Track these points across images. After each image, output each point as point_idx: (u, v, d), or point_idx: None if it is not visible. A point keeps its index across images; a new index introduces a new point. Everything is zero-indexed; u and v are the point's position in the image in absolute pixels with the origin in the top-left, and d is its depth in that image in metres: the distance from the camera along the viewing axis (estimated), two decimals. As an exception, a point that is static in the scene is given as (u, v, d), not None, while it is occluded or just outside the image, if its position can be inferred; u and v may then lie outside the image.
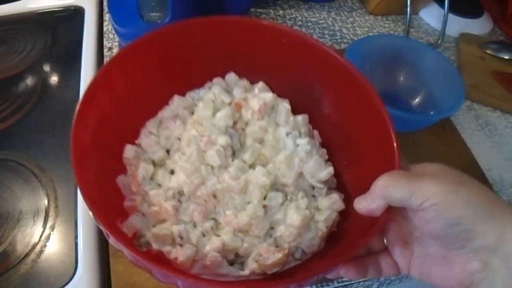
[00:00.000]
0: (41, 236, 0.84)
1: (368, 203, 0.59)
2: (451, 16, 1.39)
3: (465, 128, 1.16)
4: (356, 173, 0.63)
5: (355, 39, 1.38)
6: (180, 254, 0.64)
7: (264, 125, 0.77)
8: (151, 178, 0.74)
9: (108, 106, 0.71)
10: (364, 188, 0.60)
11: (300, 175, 0.72)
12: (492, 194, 0.55)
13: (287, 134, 0.75)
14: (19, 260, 0.81)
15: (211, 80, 0.84)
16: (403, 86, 1.13)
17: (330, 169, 0.72)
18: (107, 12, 1.30)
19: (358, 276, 0.61)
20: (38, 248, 0.83)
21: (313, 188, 0.73)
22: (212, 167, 0.73)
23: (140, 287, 0.77)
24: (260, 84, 0.83)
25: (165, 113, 0.80)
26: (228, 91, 0.82)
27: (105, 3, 1.35)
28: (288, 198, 0.71)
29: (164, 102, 0.82)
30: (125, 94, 0.75)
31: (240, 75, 0.85)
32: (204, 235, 0.68)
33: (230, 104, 0.80)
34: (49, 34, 1.27)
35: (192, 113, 0.81)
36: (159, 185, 0.74)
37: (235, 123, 0.78)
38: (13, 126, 1.02)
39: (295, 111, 0.81)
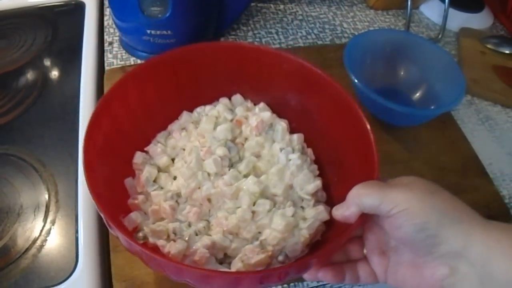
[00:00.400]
0: (41, 230, 0.85)
1: (343, 210, 0.63)
2: (451, 11, 1.39)
3: (466, 122, 1.16)
4: (344, 189, 0.66)
5: (356, 33, 1.38)
6: (172, 248, 0.70)
7: (261, 141, 0.84)
8: (155, 181, 0.82)
9: (123, 115, 0.80)
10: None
11: (291, 187, 0.79)
12: (460, 202, 0.58)
13: (281, 150, 0.82)
14: (19, 255, 0.81)
15: (218, 99, 0.93)
16: (404, 81, 1.13)
17: (317, 183, 0.79)
18: (108, 7, 1.30)
19: (335, 280, 0.66)
20: (38, 242, 0.83)
21: (302, 200, 0.80)
22: (209, 174, 0.80)
23: (141, 282, 0.78)
24: (261, 104, 0.91)
25: (174, 126, 0.89)
26: (231, 109, 0.90)
27: (105, -2, 1.35)
28: (276, 206, 0.77)
29: (174, 116, 0.90)
30: (139, 107, 0.83)
31: (245, 95, 0.93)
32: (196, 234, 0.75)
33: (231, 120, 0.88)
34: (50, 28, 1.27)
35: (197, 127, 0.89)
36: (161, 188, 0.81)
37: (235, 138, 0.86)
38: (13, 121, 1.02)
39: (293, 130, 0.89)
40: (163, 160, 0.84)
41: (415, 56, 1.11)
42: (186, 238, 0.73)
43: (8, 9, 1.32)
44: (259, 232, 0.75)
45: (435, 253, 0.56)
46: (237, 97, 0.92)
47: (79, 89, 1.09)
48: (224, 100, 0.91)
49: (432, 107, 1.05)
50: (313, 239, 0.76)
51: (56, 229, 0.85)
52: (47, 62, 1.18)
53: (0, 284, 0.77)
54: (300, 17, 1.42)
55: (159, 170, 0.83)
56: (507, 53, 1.35)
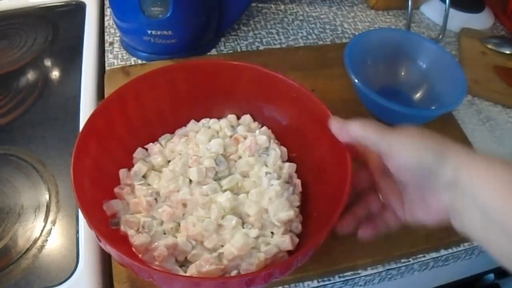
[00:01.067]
0: (42, 231, 0.85)
1: (339, 127, 0.73)
2: (452, 11, 1.39)
3: (466, 123, 1.16)
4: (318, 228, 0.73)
5: (356, 34, 1.37)
6: (137, 239, 0.75)
7: (251, 162, 0.87)
8: (144, 177, 0.86)
9: (135, 113, 0.89)
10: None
11: (266, 211, 0.80)
12: (449, 141, 0.64)
13: (266, 173, 0.84)
14: (20, 255, 0.81)
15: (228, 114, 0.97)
16: (405, 81, 1.13)
17: (290, 213, 0.79)
18: (108, 7, 1.30)
19: (375, 234, 0.72)
20: (39, 243, 0.83)
21: (274, 225, 0.80)
22: (191, 181, 0.84)
23: (141, 283, 0.77)
24: (263, 128, 0.94)
25: (179, 131, 0.94)
26: (234, 126, 0.94)
27: (106, -2, 1.35)
28: (245, 225, 0.80)
29: (184, 123, 0.96)
30: (152, 108, 0.91)
31: (255, 116, 0.97)
32: (164, 233, 0.79)
33: (231, 137, 0.91)
34: (51, 28, 1.27)
35: (197, 136, 0.93)
36: (148, 184, 0.85)
37: (230, 154, 0.89)
38: (14, 121, 1.02)
39: (292, 159, 0.92)
40: (157, 160, 0.88)
41: (416, 56, 1.11)
42: (151, 234, 0.77)
43: (9, 10, 1.32)
44: (222, 245, 0.77)
45: (434, 185, 0.63)
46: (246, 117, 0.95)
47: (79, 89, 1.09)
48: (231, 117, 0.95)
49: (433, 108, 1.05)
50: (268, 264, 0.77)
51: (56, 229, 0.85)
52: (47, 62, 1.18)
53: (1, 285, 0.77)
54: (301, 18, 1.42)
55: (153, 168, 0.88)
56: (508, 53, 1.35)
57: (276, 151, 0.89)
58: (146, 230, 0.77)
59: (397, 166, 0.65)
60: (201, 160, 0.85)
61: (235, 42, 1.30)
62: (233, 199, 0.80)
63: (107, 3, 1.35)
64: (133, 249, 0.75)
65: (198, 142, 0.89)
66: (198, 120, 0.95)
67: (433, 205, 0.64)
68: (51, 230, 0.85)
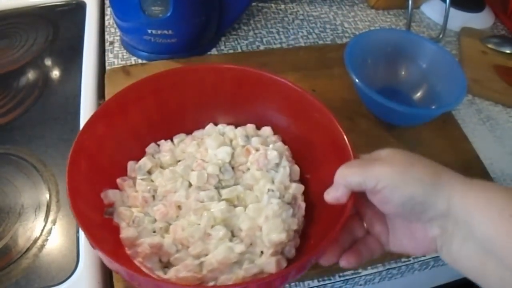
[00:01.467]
0: (42, 230, 0.85)
1: (334, 193, 0.66)
2: (452, 11, 1.39)
3: (467, 122, 1.16)
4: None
5: (357, 33, 1.38)
6: (124, 232, 0.75)
7: (258, 176, 0.84)
8: (149, 172, 0.86)
9: (154, 107, 0.88)
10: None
11: (260, 229, 0.77)
12: (440, 167, 0.61)
13: (268, 191, 0.81)
14: (20, 254, 0.81)
15: (249, 123, 0.94)
16: (405, 80, 1.13)
17: (282, 236, 0.75)
18: (109, 6, 1.30)
19: (358, 262, 0.68)
20: (39, 242, 0.83)
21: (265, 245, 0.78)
22: (190, 185, 0.83)
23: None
24: (279, 144, 0.90)
25: (196, 133, 0.93)
26: (248, 137, 0.91)
27: (106, -3, 1.35)
28: (233, 239, 0.77)
29: (204, 125, 0.94)
30: (173, 105, 0.90)
31: (276, 130, 0.93)
32: (154, 231, 0.78)
33: (243, 147, 0.88)
34: (51, 28, 1.27)
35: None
36: (151, 181, 0.85)
37: (240, 165, 0.87)
38: (14, 120, 1.02)
39: (304, 181, 0.87)
40: (166, 158, 0.87)
41: (416, 55, 1.11)
42: (139, 229, 0.76)
43: (9, 9, 1.32)
44: (206, 254, 0.75)
45: (424, 218, 0.60)
46: (266, 129, 0.93)
47: (80, 88, 1.09)
48: (249, 127, 0.93)
49: (433, 107, 1.05)
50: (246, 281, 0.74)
51: (57, 228, 0.85)
52: (48, 62, 1.18)
53: (1, 284, 0.77)
54: (301, 17, 1.42)
55: (160, 165, 0.87)
56: (508, 53, 1.35)
57: (285, 170, 0.85)
58: (136, 225, 0.77)
59: (383, 201, 0.62)
60: (205, 165, 0.84)
61: (236, 42, 1.30)
62: (226, 211, 0.78)
63: (107, 2, 1.35)
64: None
65: (207, 146, 0.87)
66: (217, 125, 0.94)
67: (420, 237, 0.63)
68: (52, 230, 0.85)
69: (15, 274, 0.78)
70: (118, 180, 0.82)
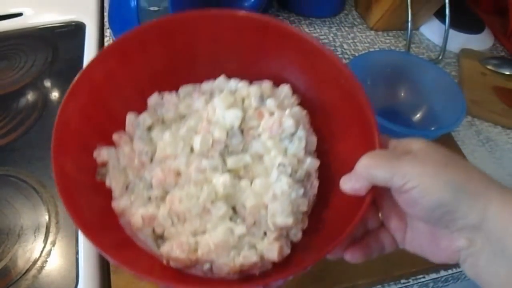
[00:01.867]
0: (42, 251, 0.84)
1: (352, 183, 0.60)
2: (452, 32, 1.39)
3: (466, 144, 1.16)
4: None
5: (356, 54, 1.38)
6: (117, 201, 0.69)
7: (269, 145, 0.74)
8: (150, 129, 0.77)
9: (158, 50, 0.77)
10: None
11: (266, 207, 0.69)
12: (476, 172, 0.55)
13: (279, 165, 0.71)
14: (20, 276, 0.81)
15: (272, 79, 0.83)
16: (404, 102, 1.13)
17: (288, 220, 0.67)
18: (108, 28, 1.30)
19: (365, 257, 0.62)
20: (39, 263, 0.83)
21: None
22: (192, 150, 0.73)
23: (141, 303, 0.76)
24: (297, 108, 0.78)
25: (205, 85, 0.82)
26: (263, 97, 0.79)
27: (106, 19, 1.35)
28: (234, 218, 0.70)
29: (216, 75, 0.82)
30: (181, 50, 0.79)
31: (295, 88, 0.81)
32: (149, 199, 0.71)
33: (256, 109, 0.77)
34: (50, 49, 1.27)
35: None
36: (150, 139, 0.76)
37: (250, 129, 0.76)
38: (14, 142, 1.02)
39: (321, 150, 0.78)
40: (169, 113, 0.78)
41: (416, 77, 1.11)
42: (133, 198, 0.70)
43: (9, 30, 1.32)
44: (203, 232, 0.68)
45: (452, 226, 0.55)
46: (284, 88, 0.81)
47: (80, 110, 1.08)
48: (266, 85, 0.81)
49: (432, 129, 1.05)
50: (244, 270, 0.66)
51: (56, 250, 0.85)
52: (47, 83, 1.19)
53: (1, 306, 0.77)
54: (301, 38, 1.42)
55: (162, 121, 0.79)
56: (507, 74, 1.35)
57: (301, 142, 0.74)
58: (129, 192, 0.71)
59: (409, 202, 0.56)
60: (211, 128, 0.74)
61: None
62: (230, 185, 0.69)
63: (106, 24, 1.35)
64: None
65: (215, 106, 0.76)
66: (230, 77, 0.82)
67: (443, 244, 0.57)
68: (51, 251, 0.85)
69: (14, 296, 0.78)
70: (114, 136, 0.74)
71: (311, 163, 0.74)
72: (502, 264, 0.52)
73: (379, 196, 0.64)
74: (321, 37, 1.44)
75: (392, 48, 1.44)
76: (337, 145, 0.76)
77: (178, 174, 0.71)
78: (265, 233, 0.68)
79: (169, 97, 0.79)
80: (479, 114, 1.24)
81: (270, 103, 0.77)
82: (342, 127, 0.75)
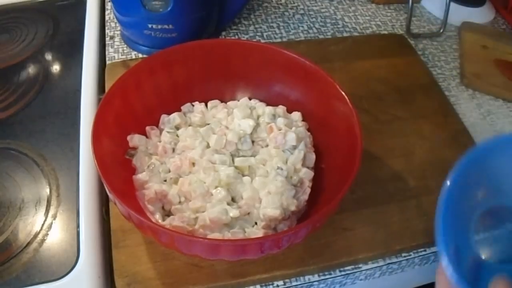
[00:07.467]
0: (43, 225, 0.85)
1: None
2: (453, 5, 1.39)
3: (467, 117, 1.16)
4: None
5: (357, 28, 1.38)
6: (139, 176, 0.82)
7: (273, 153, 0.87)
8: (177, 128, 0.92)
9: (200, 69, 0.95)
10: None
11: (260, 201, 0.81)
12: None
13: (277, 168, 0.85)
14: (21, 249, 0.81)
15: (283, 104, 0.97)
16: None
17: (276, 212, 0.77)
18: (109, 1, 1.29)
19: None
20: (40, 237, 0.83)
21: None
22: (208, 146, 0.88)
23: (142, 277, 0.77)
24: (301, 129, 0.92)
25: (231, 103, 0.98)
26: (275, 116, 0.93)
27: (107, -8, 1.35)
28: (231, 204, 0.81)
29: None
30: (219, 69, 0.97)
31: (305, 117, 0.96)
32: (165, 180, 0.85)
33: (267, 124, 0.91)
34: (51, 23, 1.27)
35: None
36: (177, 136, 0.91)
37: (260, 140, 0.91)
38: (15, 115, 1.02)
39: (319, 170, 0.89)
40: (196, 118, 0.93)
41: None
42: (151, 175, 0.83)
43: (10, 3, 1.32)
44: (203, 212, 0.79)
45: None
46: (296, 114, 0.96)
47: (80, 83, 1.09)
48: (280, 108, 0.95)
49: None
50: None
51: (57, 223, 0.85)
52: (48, 57, 1.18)
53: (2, 279, 0.77)
54: (302, 12, 1.42)
55: (190, 124, 0.93)
56: (508, 47, 1.35)
57: (300, 154, 0.87)
58: (150, 171, 0.84)
59: None
60: (227, 131, 0.89)
61: (236, 36, 1.30)
62: (233, 176, 0.82)
63: (108, -4, 1.35)
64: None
65: (234, 116, 0.92)
66: (251, 99, 0.98)
67: None
68: (52, 224, 0.85)
69: (16, 269, 0.78)
70: (147, 128, 0.90)
71: (306, 173, 0.87)
72: None
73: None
74: (322, 10, 1.43)
75: (393, 21, 1.43)
76: (334, 161, 0.87)
77: (193, 164, 0.85)
78: (256, 223, 0.81)
79: (198, 106, 0.96)
80: (480, 88, 1.24)
81: (280, 121, 0.91)
82: (338, 143, 0.85)
